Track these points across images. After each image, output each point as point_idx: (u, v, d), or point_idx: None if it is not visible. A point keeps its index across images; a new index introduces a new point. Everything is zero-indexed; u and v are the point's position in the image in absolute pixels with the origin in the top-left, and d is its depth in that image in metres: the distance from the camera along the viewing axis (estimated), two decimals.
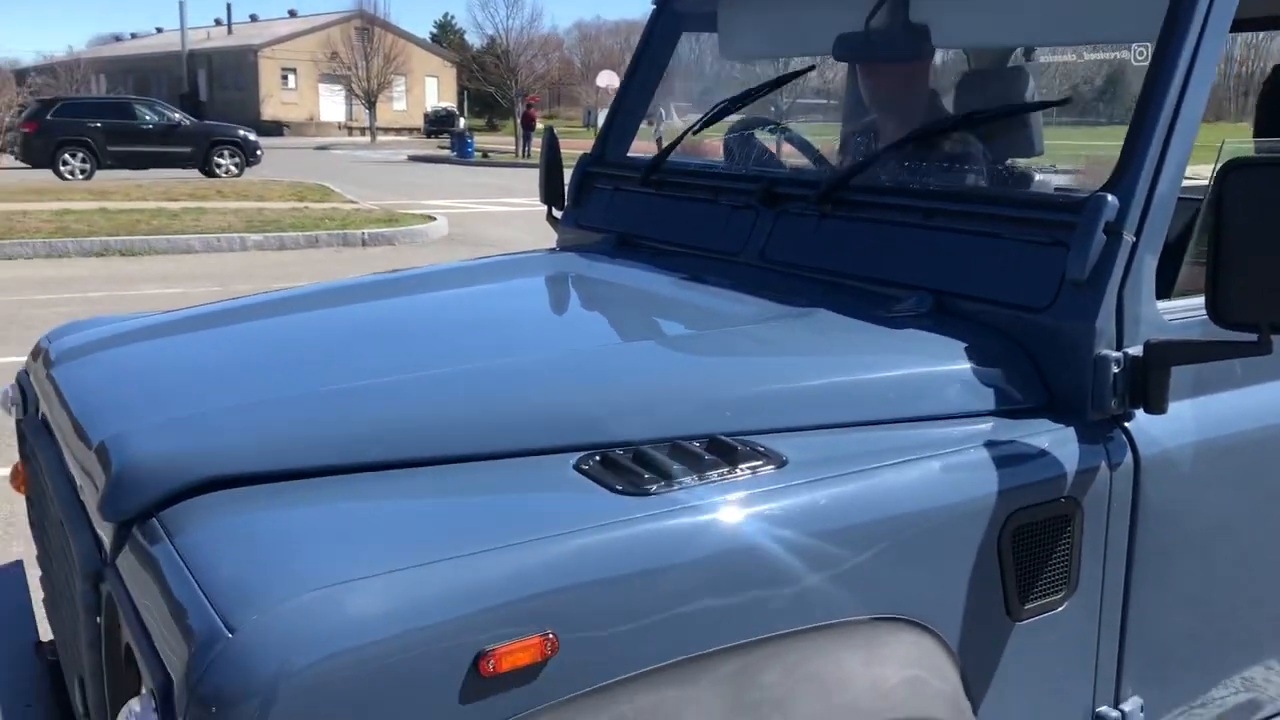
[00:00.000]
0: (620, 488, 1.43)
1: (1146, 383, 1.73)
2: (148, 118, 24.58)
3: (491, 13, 54.51)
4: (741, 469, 1.50)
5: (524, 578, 1.27)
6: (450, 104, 60.19)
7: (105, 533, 1.47)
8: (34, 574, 2.35)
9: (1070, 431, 1.72)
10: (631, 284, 2.37)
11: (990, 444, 1.65)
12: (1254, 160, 1.58)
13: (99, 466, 1.49)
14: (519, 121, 36.85)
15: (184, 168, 24.28)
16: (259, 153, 25.35)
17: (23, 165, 23.78)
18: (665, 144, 2.79)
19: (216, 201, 17.85)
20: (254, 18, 71.46)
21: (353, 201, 18.81)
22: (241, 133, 25.43)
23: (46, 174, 22.86)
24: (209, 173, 24.19)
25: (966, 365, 1.78)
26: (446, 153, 36.73)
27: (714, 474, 1.48)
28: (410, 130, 57.98)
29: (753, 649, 1.41)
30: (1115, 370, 1.73)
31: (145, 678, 1.22)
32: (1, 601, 2.36)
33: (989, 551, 1.61)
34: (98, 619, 1.47)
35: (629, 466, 1.48)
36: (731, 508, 1.43)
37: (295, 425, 1.52)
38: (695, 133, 2.73)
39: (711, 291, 2.22)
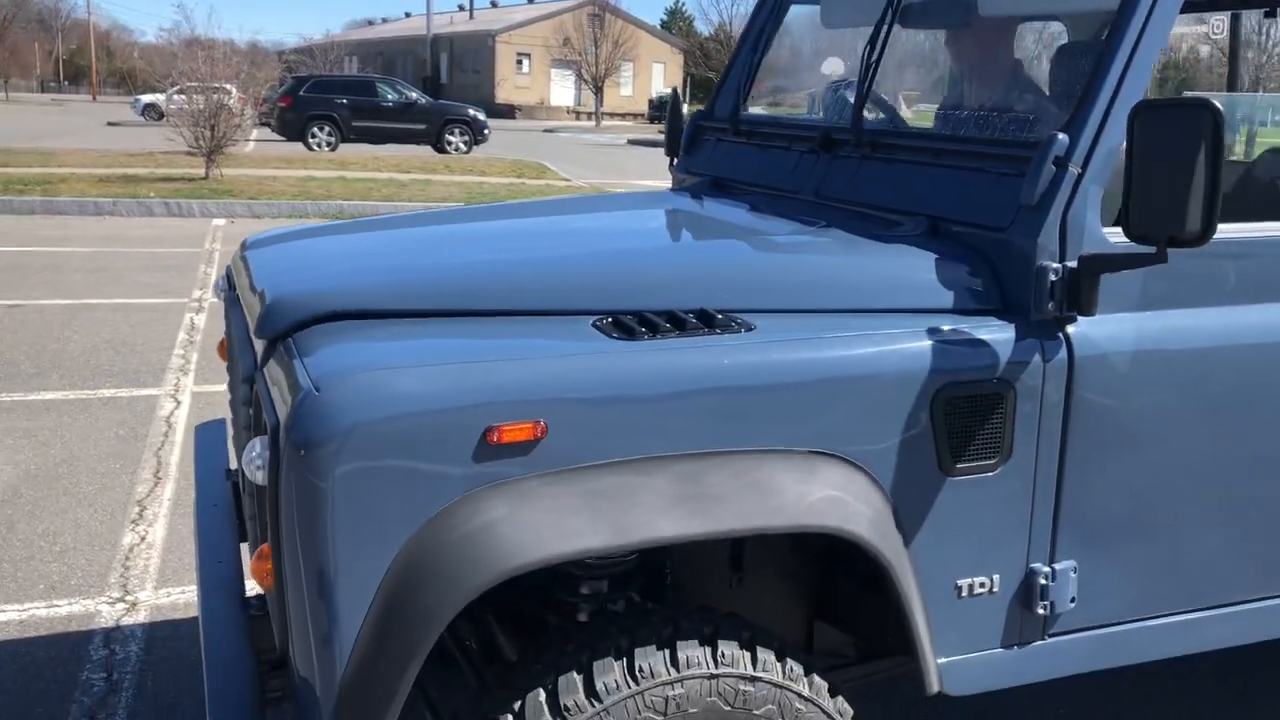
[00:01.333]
0: (616, 335, 1.92)
1: (1079, 289, 2.08)
2: (389, 96, 26.42)
3: None
4: (717, 330, 1.96)
5: (527, 379, 1.78)
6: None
7: (258, 350, 2.07)
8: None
9: (1011, 328, 2.09)
10: (697, 211, 2.85)
11: (932, 330, 2.04)
12: (1156, 103, 1.92)
13: (258, 305, 2.09)
14: None
15: (418, 143, 25.96)
16: (486, 131, 26.82)
17: (278, 138, 26.00)
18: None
19: (443, 174, 19.15)
20: (494, 3, 74.58)
21: (566, 179, 19.79)
22: (471, 112, 26.96)
23: (297, 146, 24.94)
24: (440, 149, 25.79)
25: (932, 272, 2.16)
26: None
27: (694, 332, 1.94)
28: (635, 115, 59.36)
29: (705, 457, 1.87)
30: (1053, 278, 2.08)
31: (266, 426, 1.79)
32: (208, 442, 3.06)
33: (921, 415, 2.00)
34: (249, 410, 2.07)
35: (630, 325, 1.96)
36: (697, 352, 1.89)
37: (392, 282, 2.08)
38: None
39: (758, 217, 2.66)
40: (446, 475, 1.74)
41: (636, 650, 1.88)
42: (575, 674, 1.86)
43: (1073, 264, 2.09)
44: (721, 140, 3.28)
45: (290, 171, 18.35)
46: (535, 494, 1.77)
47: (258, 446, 1.78)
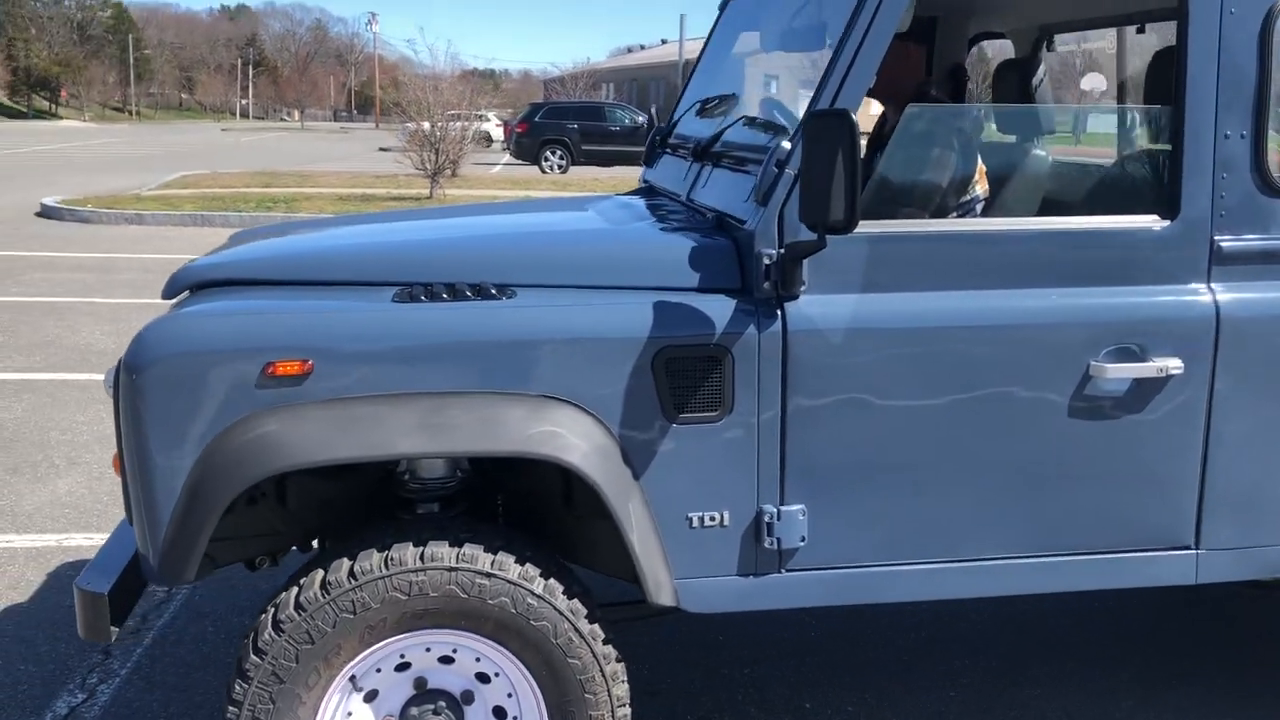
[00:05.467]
0: (400, 300, 2.47)
1: (784, 271, 2.46)
2: (617, 120, 27.65)
3: None
4: (483, 299, 2.47)
5: (298, 327, 2.37)
6: None
7: None
8: None
9: (733, 303, 2.49)
10: (589, 210, 3.35)
11: (659, 303, 2.48)
12: (817, 112, 2.29)
13: None
14: None
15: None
16: None
17: (517, 161, 27.72)
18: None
19: None
20: None
21: None
22: None
23: (533, 169, 26.53)
24: None
25: (686, 257, 2.58)
26: None
27: (462, 299, 2.47)
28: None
29: (449, 395, 2.39)
30: (767, 262, 2.47)
31: None
32: None
33: (643, 371, 2.44)
34: None
35: (417, 293, 2.50)
36: (454, 313, 2.42)
37: (260, 259, 2.72)
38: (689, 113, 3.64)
39: (610, 214, 3.15)
40: (235, 397, 2.34)
41: (394, 545, 2.42)
42: (346, 559, 2.42)
43: (783, 250, 2.48)
44: (663, 153, 3.76)
45: (510, 192, 19.68)
46: (304, 415, 2.35)
47: (111, 369, 2.44)
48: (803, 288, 2.49)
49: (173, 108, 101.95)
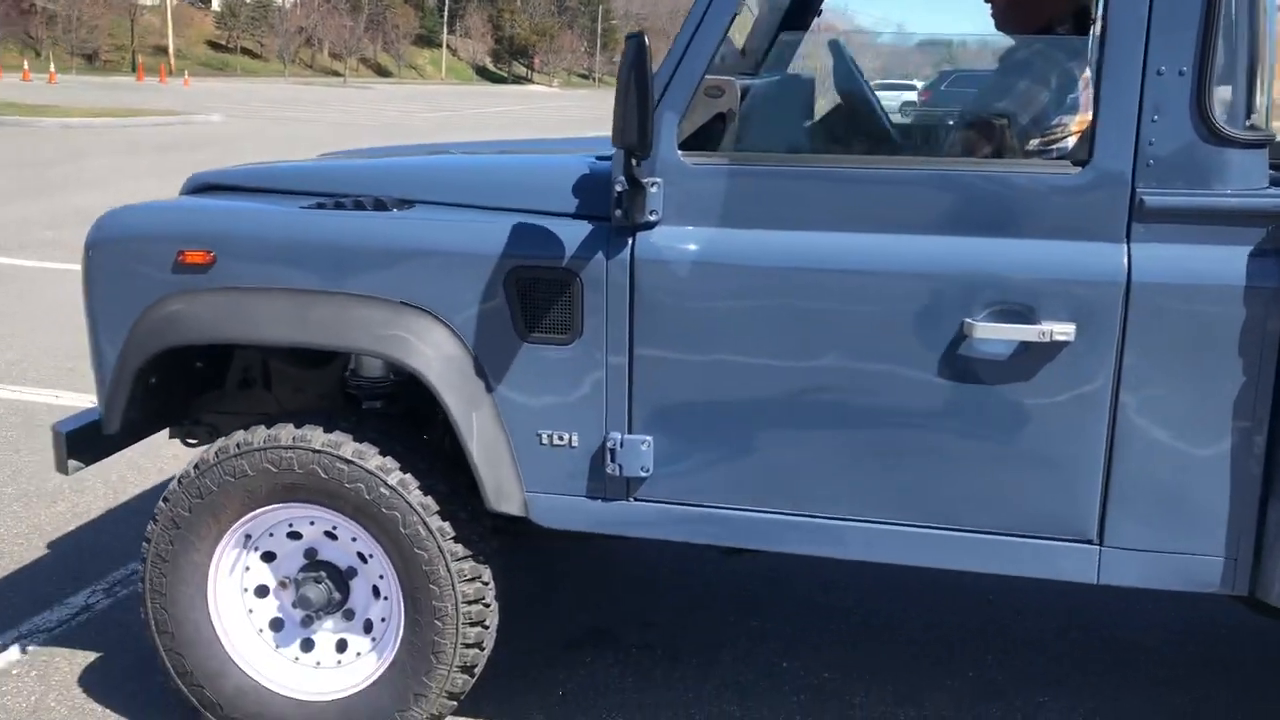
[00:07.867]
0: (306, 207, 2.74)
1: (631, 199, 2.45)
2: None
3: None
4: (378, 209, 2.69)
5: (203, 223, 2.72)
6: None
7: None
8: None
9: (586, 228, 2.51)
10: (511, 147, 3.47)
11: (517, 225, 2.55)
12: (633, 35, 2.26)
13: None
14: None
15: None
16: None
17: None
18: None
19: None
20: None
21: None
22: None
23: None
24: None
25: (570, 184, 2.62)
26: None
27: (358, 210, 2.70)
28: None
29: (319, 294, 2.62)
30: (619, 189, 2.46)
31: None
32: None
33: (496, 288, 2.54)
34: None
35: (326, 203, 2.76)
36: (333, 220, 2.66)
37: (241, 173, 3.11)
38: None
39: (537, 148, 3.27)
40: (155, 279, 2.73)
41: (279, 423, 2.72)
42: (243, 430, 2.75)
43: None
44: None
45: None
46: (201, 300, 2.69)
47: None
48: (654, 216, 2.47)
49: None
